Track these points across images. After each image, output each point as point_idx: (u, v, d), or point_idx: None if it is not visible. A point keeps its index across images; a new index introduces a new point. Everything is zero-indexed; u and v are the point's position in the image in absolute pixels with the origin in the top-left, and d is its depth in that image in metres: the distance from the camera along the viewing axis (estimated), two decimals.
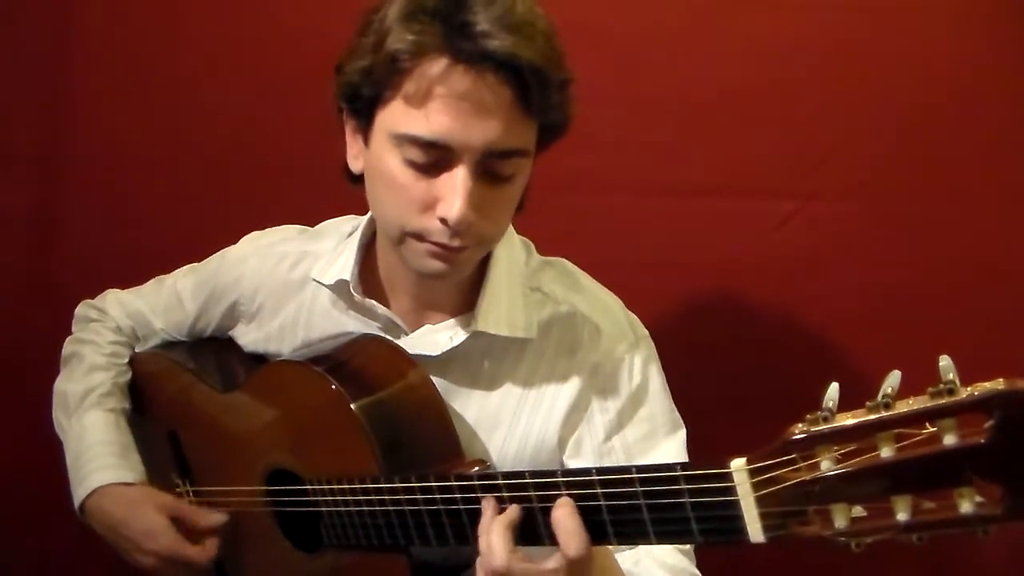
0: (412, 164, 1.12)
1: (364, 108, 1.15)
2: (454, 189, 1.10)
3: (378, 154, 1.15)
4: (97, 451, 1.42)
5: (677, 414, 1.32)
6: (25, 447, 1.60)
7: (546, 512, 1.01)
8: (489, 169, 1.12)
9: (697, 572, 1.25)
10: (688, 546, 1.25)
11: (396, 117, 1.11)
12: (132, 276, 1.58)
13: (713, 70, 1.70)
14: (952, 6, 1.63)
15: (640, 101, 1.73)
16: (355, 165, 1.22)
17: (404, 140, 1.10)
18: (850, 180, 1.68)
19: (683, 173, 1.74)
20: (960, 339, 1.62)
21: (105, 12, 1.91)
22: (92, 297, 1.58)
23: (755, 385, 1.72)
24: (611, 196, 1.76)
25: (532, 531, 1.04)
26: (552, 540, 1.01)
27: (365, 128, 1.17)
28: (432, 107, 1.08)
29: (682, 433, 1.30)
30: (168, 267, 1.55)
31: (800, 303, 1.72)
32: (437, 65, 1.07)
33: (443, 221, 1.12)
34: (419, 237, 1.15)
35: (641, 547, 1.22)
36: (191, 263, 1.52)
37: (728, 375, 1.74)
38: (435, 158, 1.10)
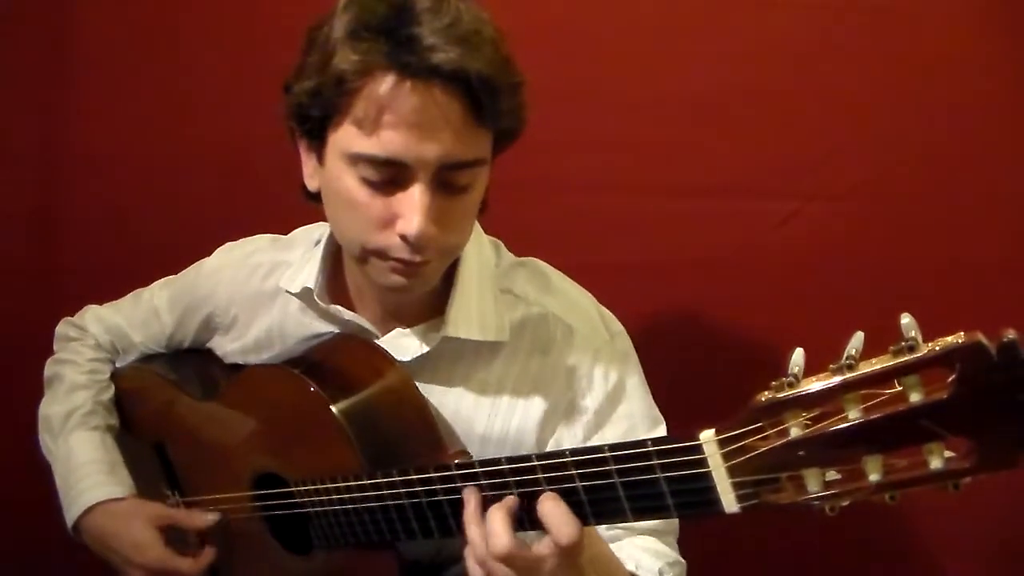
0: (368, 182, 1.10)
1: (315, 128, 1.13)
2: (412, 205, 1.09)
3: (334, 174, 1.13)
4: (85, 471, 1.43)
5: (656, 410, 1.30)
6: (25, 447, 1.60)
7: (524, 497, 1.00)
8: (446, 181, 1.11)
9: (680, 559, 1.24)
10: (671, 535, 1.25)
11: (348, 137, 1.09)
12: (132, 276, 1.58)
13: (713, 70, 1.70)
14: (952, 6, 1.62)
15: (640, 101, 1.72)
16: (311, 184, 1.21)
17: (358, 159, 1.09)
18: (850, 180, 1.67)
19: (683, 173, 1.73)
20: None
21: (105, 12, 1.93)
22: (91, 297, 1.59)
23: (754, 385, 1.69)
24: (610, 196, 1.75)
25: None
26: (533, 525, 1.00)
27: (319, 147, 1.16)
28: (383, 127, 1.06)
29: (662, 428, 1.29)
30: (167, 266, 1.56)
31: (800, 303, 1.70)
32: (384, 83, 1.05)
33: (403, 238, 1.11)
34: (380, 254, 1.15)
35: (623, 534, 1.21)
36: (190, 263, 1.52)
37: (727, 375, 1.72)
38: (391, 175, 1.09)
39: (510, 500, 1.01)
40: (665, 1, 1.72)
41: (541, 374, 1.27)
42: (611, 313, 1.34)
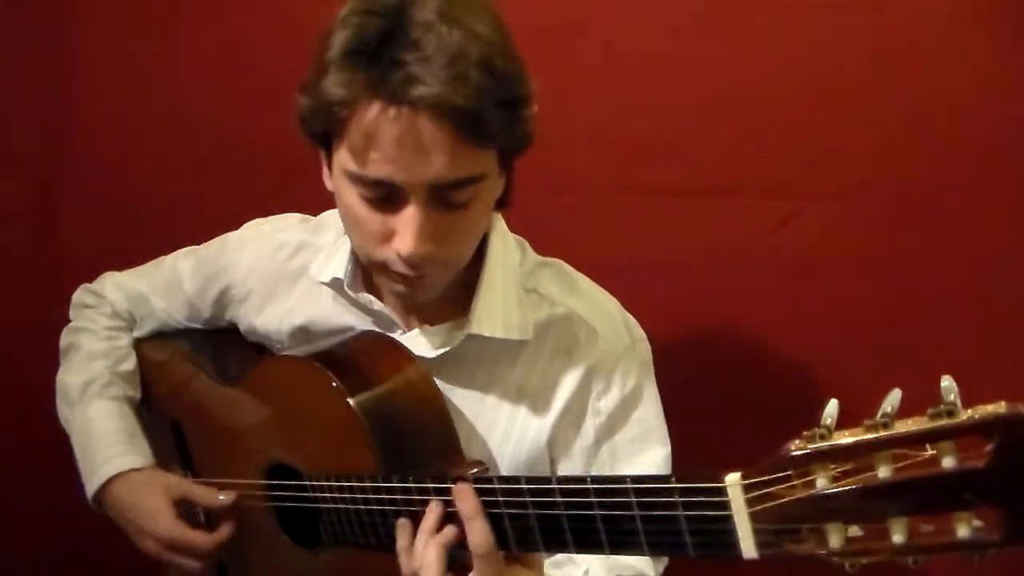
0: (366, 199, 1.12)
1: (320, 141, 1.16)
2: (405, 224, 1.10)
3: (338, 187, 1.16)
4: (105, 441, 1.43)
5: (666, 428, 1.31)
6: (27, 443, 1.60)
7: (544, 519, 1.01)
8: (442, 199, 1.11)
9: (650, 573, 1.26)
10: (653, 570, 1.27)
11: (344, 158, 1.11)
12: None
13: (713, 69, 1.70)
14: (952, 6, 1.61)
15: (640, 101, 1.72)
16: (328, 185, 1.22)
17: (355, 178, 1.11)
18: (850, 180, 1.67)
19: (683, 173, 1.73)
20: (959, 339, 1.63)
21: (105, 12, 1.92)
22: None
23: (754, 385, 1.72)
24: (611, 196, 1.75)
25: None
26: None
27: (328, 156, 1.17)
28: (373, 152, 1.07)
29: (668, 450, 1.30)
30: None
31: (800, 303, 1.71)
32: (371, 111, 1.05)
33: (399, 255, 1.12)
34: (382, 267, 1.16)
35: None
36: None
37: (727, 375, 1.74)
38: (386, 194, 1.10)
39: (448, 534, 1.07)
40: (665, 1, 1.71)
41: (562, 375, 1.28)
42: (634, 319, 1.34)
